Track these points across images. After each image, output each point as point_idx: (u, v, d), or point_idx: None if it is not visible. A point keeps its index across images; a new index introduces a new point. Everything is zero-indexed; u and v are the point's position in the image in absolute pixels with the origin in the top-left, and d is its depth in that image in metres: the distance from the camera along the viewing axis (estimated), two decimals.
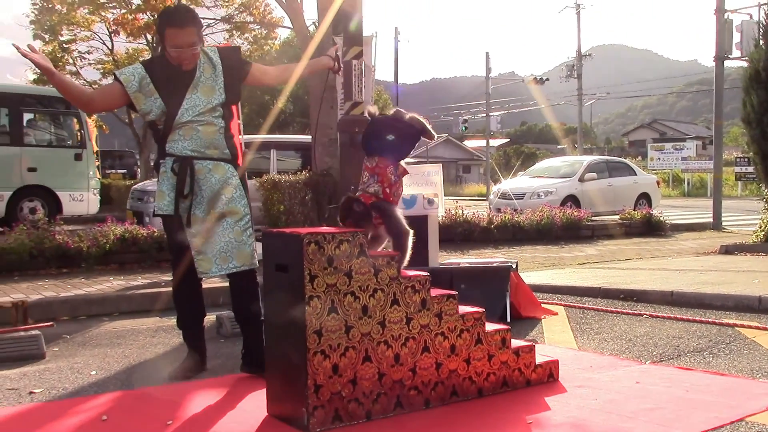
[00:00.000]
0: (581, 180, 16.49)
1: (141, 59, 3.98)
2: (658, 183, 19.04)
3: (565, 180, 16.56)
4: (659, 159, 41.19)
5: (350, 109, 6.52)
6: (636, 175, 18.25)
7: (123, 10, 22.17)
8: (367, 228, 3.17)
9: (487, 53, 40.34)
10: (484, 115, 44.13)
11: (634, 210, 14.83)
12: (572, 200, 15.64)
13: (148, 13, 18.43)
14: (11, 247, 8.01)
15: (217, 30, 22.24)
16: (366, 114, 3.52)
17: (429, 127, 3.47)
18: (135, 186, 13.94)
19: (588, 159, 18.71)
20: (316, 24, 12.60)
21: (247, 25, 19.77)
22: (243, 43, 20.40)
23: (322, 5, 11.82)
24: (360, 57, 6.62)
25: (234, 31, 20.57)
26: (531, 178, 17.54)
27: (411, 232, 3.26)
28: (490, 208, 15.54)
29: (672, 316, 5.56)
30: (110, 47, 25.52)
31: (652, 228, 13.83)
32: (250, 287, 3.81)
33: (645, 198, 17.58)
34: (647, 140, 63.72)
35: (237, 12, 21.49)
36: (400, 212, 3.30)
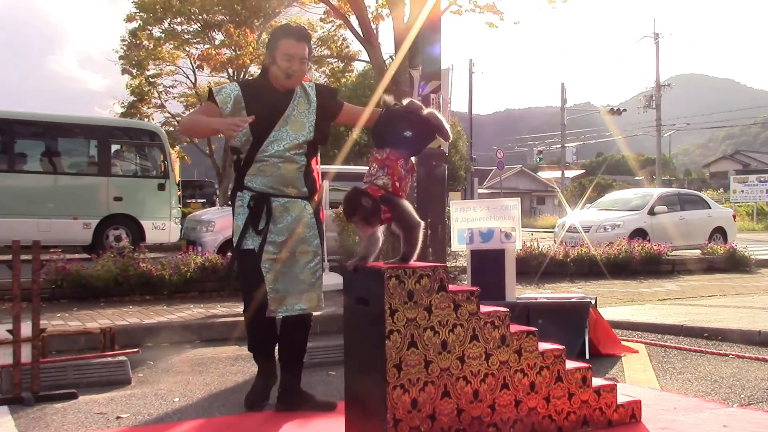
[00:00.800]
0: (651, 213, 15.95)
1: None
2: (734, 216, 18.33)
3: (634, 213, 16.05)
4: (742, 191, 39.75)
5: None
6: (710, 208, 17.57)
7: (207, 46, 23.00)
8: (376, 223, 3.06)
9: (562, 84, 40.08)
10: (559, 146, 43.64)
11: (709, 244, 14.33)
12: (641, 234, 15.07)
13: (230, 49, 19.07)
14: (98, 274, 8.33)
15: None
16: (382, 102, 3.37)
17: (447, 126, 3.34)
18: (190, 215, 14.39)
19: (659, 191, 18.16)
20: (393, 57, 12.77)
21: (325, 58, 20.21)
22: (320, 76, 20.83)
23: (399, 38, 12.00)
24: (438, 91, 6.68)
25: (312, 65, 21.00)
26: (599, 211, 17.07)
27: (422, 223, 3.11)
28: (555, 241, 15.23)
29: (760, 357, 5.35)
30: (193, 81, 26.47)
31: (735, 263, 13.36)
32: (304, 329, 3.82)
33: (720, 232, 16.92)
34: (729, 172, 61.67)
35: (315, 46, 22.04)
36: (408, 204, 3.13)
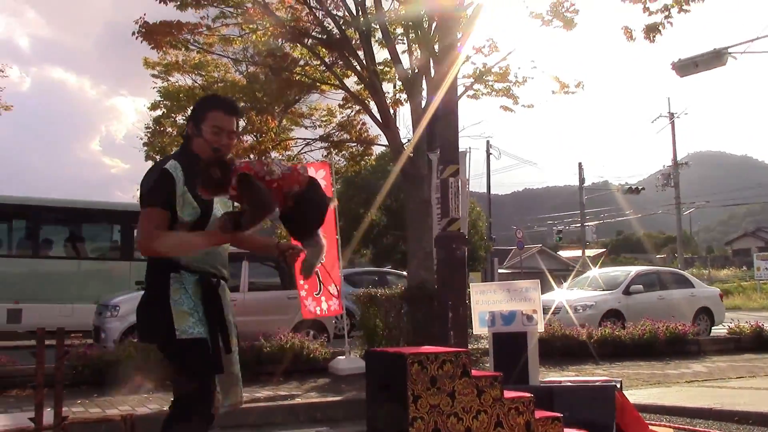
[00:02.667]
0: (626, 293, 15.00)
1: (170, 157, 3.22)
2: (720, 296, 17.14)
3: (608, 293, 15.10)
4: (767, 269, 39.30)
5: (447, 225, 6.63)
6: (693, 287, 16.53)
7: None
8: (217, 193, 2.95)
9: (580, 164, 40.39)
10: (579, 225, 43.61)
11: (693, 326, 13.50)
12: (615, 315, 14.22)
13: (252, 135, 19.48)
14: (119, 360, 8.33)
15: (316, 147, 23.21)
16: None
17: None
18: (101, 299, 12.51)
19: (635, 269, 17.10)
20: (410, 140, 13.00)
21: (344, 143, 20.55)
22: (340, 160, 21.16)
23: (416, 122, 12.25)
24: (456, 175, 6.78)
25: (332, 149, 21.37)
26: (572, 291, 16.18)
27: (270, 209, 2.94)
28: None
29: None
30: None
31: (764, 343, 13.07)
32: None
33: (705, 313, 15.88)
34: (752, 249, 61.10)
35: (335, 131, 22.46)
36: (265, 194, 2.93)
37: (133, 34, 12.57)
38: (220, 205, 3.26)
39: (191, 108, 3.57)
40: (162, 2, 12.22)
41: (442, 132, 7.49)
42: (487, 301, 7.02)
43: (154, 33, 12.43)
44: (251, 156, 23.01)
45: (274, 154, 18.64)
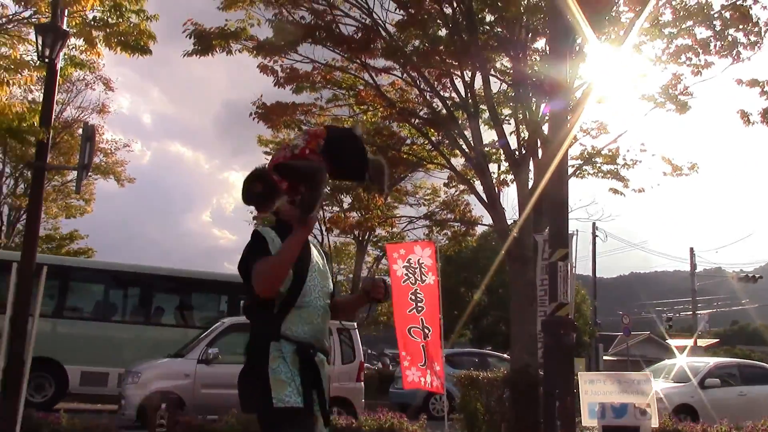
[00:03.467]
0: (702, 386, 13.69)
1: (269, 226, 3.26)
2: None
3: (680, 385, 13.85)
4: None
5: (555, 310, 6.47)
6: None
7: (336, 209, 24.12)
8: (271, 203, 2.97)
9: (691, 249, 38.85)
10: (689, 312, 41.63)
11: None
12: (688, 411, 12.97)
13: (359, 212, 19.90)
14: (222, 429, 8.44)
15: (419, 225, 23.43)
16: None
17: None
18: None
19: (714, 361, 15.68)
20: (516, 222, 12.90)
21: (447, 222, 20.65)
22: (442, 239, 21.22)
23: (522, 203, 12.17)
24: (566, 258, 6.64)
25: (434, 227, 21.52)
26: None
27: (321, 168, 2.92)
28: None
29: None
30: (320, 241, 27.57)
31: None
32: None
33: None
34: None
35: (438, 209, 22.66)
36: (303, 161, 2.94)
37: (251, 114, 13.20)
38: (318, 274, 3.22)
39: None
40: (279, 86, 12.83)
41: (550, 214, 7.39)
42: (597, 392, 6.72)
43: (270, 113, 13.01)
44: (356, 231, 23.43)
45: (379, 231, 18.92)
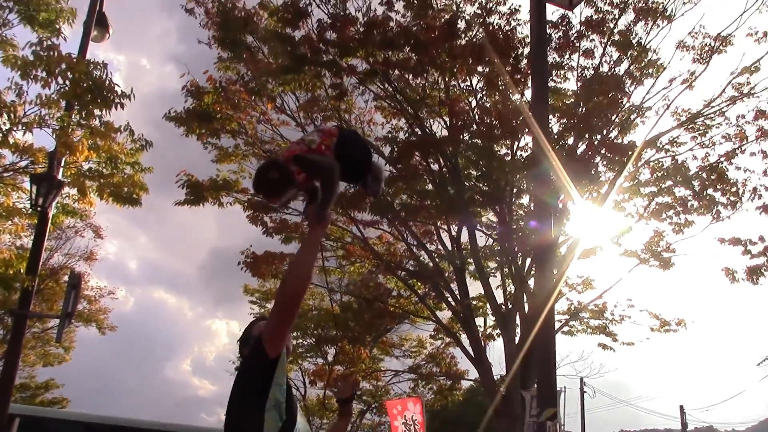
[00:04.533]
0: None
1: None
2: None
3: None
4: None
5: None
6: None
7: (320, 360, 23.65)
8: (286, 192, 2.86)
9: (681, 407, 38.00)
10: None
11: None
12: None
13: (343, 365, 19.51)
14: None
15: (404, 379, 22.92)
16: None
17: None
18: None
19: None
20: (504, 377, 12.69)
21: (433, 375, 20.27)
22: (428, 393, 20.72)
23: (510, 358, 12.02)
24: (554, 418, 6.48)
25: (420, 381, 21.06)
26: None
27: (336, 165, 2.86)
28: None
29: None
30: (303, 393, 26.79)
31: None
32: None
33: None
34: None
35: (424, 362, 22.26)
36: (322, 157, 2.90)
37: (239, 263, 13.25)
38: (301, 427, 2.99)
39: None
40: (268, 235, 12.98)
41: (538, 372, 7.28)
42: None
43: (258, 262, 13.06)
44: (338, 384, 22.88)
45: (364, 385, 18.50)
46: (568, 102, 13.23)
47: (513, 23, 12.83)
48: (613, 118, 12.35)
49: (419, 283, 14.70)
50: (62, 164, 9.91)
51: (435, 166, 13.21)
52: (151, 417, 14.90)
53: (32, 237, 10.59)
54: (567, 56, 12.83)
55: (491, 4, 12.97)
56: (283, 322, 2.85)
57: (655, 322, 14.25)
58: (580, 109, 12.54)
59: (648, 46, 12.58)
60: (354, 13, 12.61)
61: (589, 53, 12.69)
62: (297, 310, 2.89)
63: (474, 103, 13.26)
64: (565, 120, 12.71)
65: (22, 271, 9.61)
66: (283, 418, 2.84)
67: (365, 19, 12.48)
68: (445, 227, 13.37)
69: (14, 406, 12.47)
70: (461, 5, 13.01)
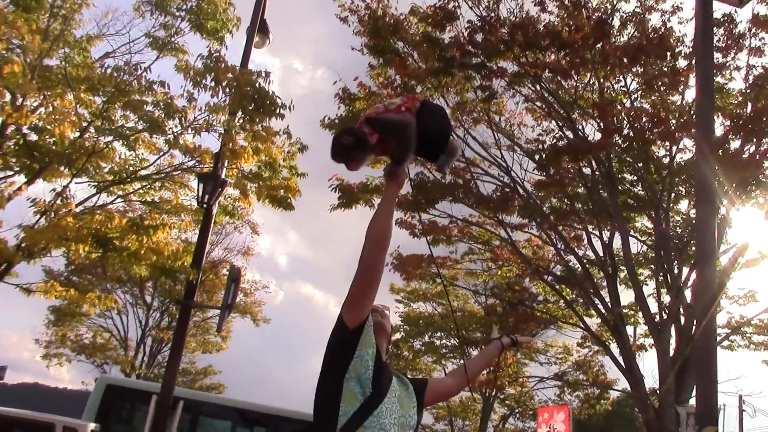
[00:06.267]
0: None
1: None
2: None
3: None
4: None
5: None
6: None
7: (463, 362, 23.72)
8: (362, 156, 2.78)
9: None
10: None
11: None
12: None
13: (488, 371, 19.50)
14: None
15: (549, 385, 22.53)
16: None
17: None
18: None
19: None
20: (656, 390, 12.17)
21: (579, 384, 19.79)
22: (574, 401, 20.27)
23: (662, 370, 11.50)
24: None
25: (565, 388, 20.64)
26: None
27: (411, 122, 2.75)
28: None
29: None
30: None
31: None
32: None
33: None
34: None
35: (570, 369, 21.77)
36: (395, 115, 2.79)
37: (387, 264, 13.49)
38: (397, 400, 2.82)
39: None
40: (414, 236, 13.16)
41: (698, 387, 6.94)
42: None
43: (405, 264, 13.27)
44: (484, 388, 22.81)
45: (509, 390, 18.37)
46: (733, 102, 12.48)
47: (672, 22, 12.29)
48: None
49: (567, 289, 14.37)
50: (226, 165, 10.52)
51: (587, 170, 12.88)
52: (296, 407, 15.47)
53: (197, 232, 11.29)
54: (732, 55, 12.11)
55: (651, 2, 12.47)
56: (361, 286, 2.73)
57: None
58: (748, 111, 11.79)
59: None
60: (506, 15, 12.52)
61: (758, 51, 11.90)
62: (377, 274, 2.74)
63: (629, 105, 12.81)
64: (729, 122, 12.00)
65: (187, 264, 10.25)
66: (368, 392, 2.70)
67: (513, 20, 12.35)
68: (597, 232, 12.99)
69: (178, 389, 13.41)
70: (616, 4, 12.58)
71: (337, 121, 12.95)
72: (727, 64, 12.16)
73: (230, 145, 9.71)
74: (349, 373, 2.70)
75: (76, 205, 9.92)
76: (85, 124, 9.99)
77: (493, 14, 12.45)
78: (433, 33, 12.63)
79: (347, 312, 2.74)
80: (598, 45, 11.85)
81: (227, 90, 9.49)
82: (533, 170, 13.24)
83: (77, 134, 9.84)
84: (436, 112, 2.94)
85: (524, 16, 12.35)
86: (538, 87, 12.90)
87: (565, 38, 11.77)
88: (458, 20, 12.56)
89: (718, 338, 13.03)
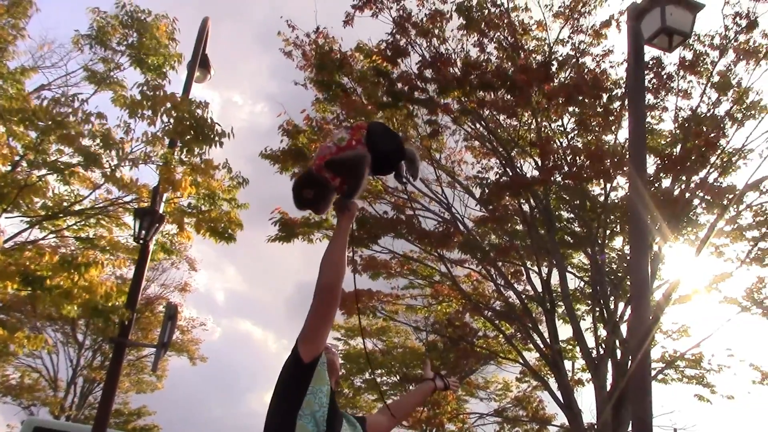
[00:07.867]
0: None
1: None
2: None
3: None
4: None
5: None
6: None
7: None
8: (325, 206, 2.83)
9: None
10: None
11: None
12: None
13: (427, 407, 19.41)
14: None
15: (489, 422, 22.52)
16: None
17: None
18: None
19: None
20: (594, 425, 12.29)
21: (519, 419, 19.88)
22: None
23: (600, 403, 11.64)
24: None
25: (505, 424, 20.66)
26: None
27: (365, 155, 2.80)
28: None
29: None
30: None
31: None
32: None
33: None
34: None
35: (510, 405, 21.85)
36: (351, 153, 2.82)
37: None
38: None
39: None
40: (356, 272, 13.10)
41: (633, 421, 7.02)
42: None
43: (346, 300, 13.18)
44: (423, 426, 22.69)
45: (449, 426, 18.27)
46: (663, 142, 12.92)
47: (605, 65, 12.72)
48: (713, 159, 11.96)
49: (506, 324, 14.49)
50: (164, 200, 10.33)
51: (526, 207, 13.10)
52: None
53: (132, 269, 11.01)
54: (662, 96, 12.57)
55: (584, 46, 12.88)
56: (318, 318, 2.68)
57: (758, 375, 13.56)
58: (677, 150, 12.20)
59: (750, 87, 12.18)
60: (450, 55, 12.74)
61: (686, 94, 12.39)
62: (333, 307, 2.72)
63: (565, 144, 13.13)
64: (660, 161, 12.40)
65: (121, 304, 9.97)
66: (321, 429, 2.66)
67: (462, 59, 12.60)
68: (535, 268, 13.18)
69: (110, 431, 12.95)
70: (553, 47, 12.96)
71: (279, 153, 12.89)
72: (657, 105, 12.61)
73: (168, 176, 9.53)
74: (303, 410, 2.64)
75: (5, 241, 9.59)
76: (17, 157, 9.71)
77: (437, 53, 12.67)
78: (384, 67, 12.75)
79: (303, 344, 2.68)
80: (540, 86, 12.16)
81: (165, 119, 9.34)
82: (474, 206, 13.41)
83: (9, 168, 9.56)
84: (381, 133, 2.97)
85: (466, 56, 12.62)
86: (478, 125, 13.13)
87: (515, 79, 12.04)
88: (409, 56, 12.73)
89: (653, 372, 13.32)
